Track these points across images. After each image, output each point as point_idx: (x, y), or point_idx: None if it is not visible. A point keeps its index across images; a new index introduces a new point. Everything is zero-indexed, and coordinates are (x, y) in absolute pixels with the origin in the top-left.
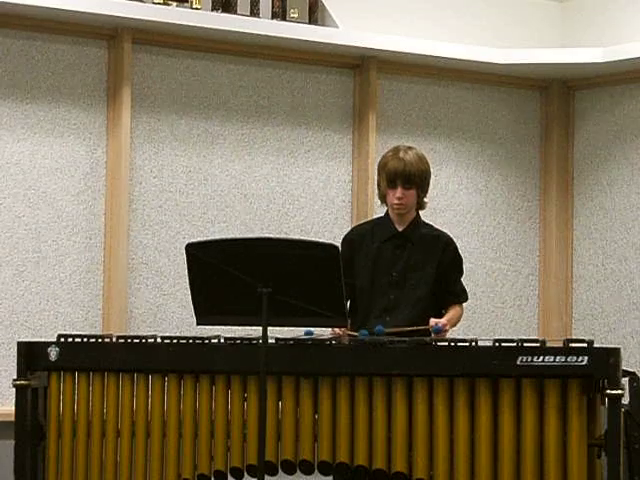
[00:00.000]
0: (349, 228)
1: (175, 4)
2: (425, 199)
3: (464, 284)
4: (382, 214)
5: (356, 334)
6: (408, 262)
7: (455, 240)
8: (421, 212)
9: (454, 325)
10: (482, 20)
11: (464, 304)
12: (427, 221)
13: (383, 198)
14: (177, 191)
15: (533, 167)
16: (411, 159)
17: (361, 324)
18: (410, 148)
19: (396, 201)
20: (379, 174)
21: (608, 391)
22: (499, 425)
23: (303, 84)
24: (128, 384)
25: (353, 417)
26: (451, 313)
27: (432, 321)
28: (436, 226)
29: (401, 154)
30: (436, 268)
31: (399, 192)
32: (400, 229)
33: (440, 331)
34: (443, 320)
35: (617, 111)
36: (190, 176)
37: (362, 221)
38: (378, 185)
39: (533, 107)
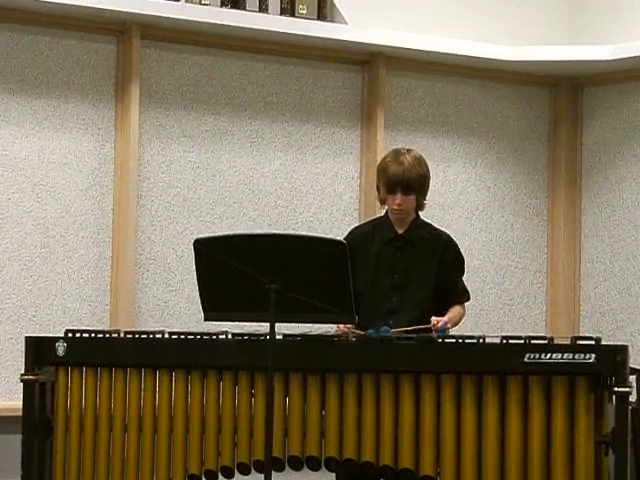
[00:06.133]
0: (357, 224)
1: (184, 0)
2: (425, 201)
3: (466, 283)
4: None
5: (362, 332)
6: (409, 264)
7: (463, 237)
8: (427, 208)
9: (455, 325)
10: (490, 17)
11: (466, 303)
12: (434, 218)
13: (382, 201)
14: (185, 187)
15: (541, 164)
16: (410, 164)
17: (363, 327)
18: (409, 151)
19: (396, 207)
20: (378, 178)
21: (616, 389)
22: (506, 422)
23: (311, 80)
24: (135, 379)
25: (360, 413)
26: (452, 312)
27: (434, 319)
28: (435, 225)
29: (400, 158)
30: (437, 268)
31: (399, 199)
32: (400, 231)
33: (445, 332)
34: (445, 318)
35: (626, 109)
36: (198, 172)
37: (362, 222)
38: (377, 188)
39: (542, 104)
